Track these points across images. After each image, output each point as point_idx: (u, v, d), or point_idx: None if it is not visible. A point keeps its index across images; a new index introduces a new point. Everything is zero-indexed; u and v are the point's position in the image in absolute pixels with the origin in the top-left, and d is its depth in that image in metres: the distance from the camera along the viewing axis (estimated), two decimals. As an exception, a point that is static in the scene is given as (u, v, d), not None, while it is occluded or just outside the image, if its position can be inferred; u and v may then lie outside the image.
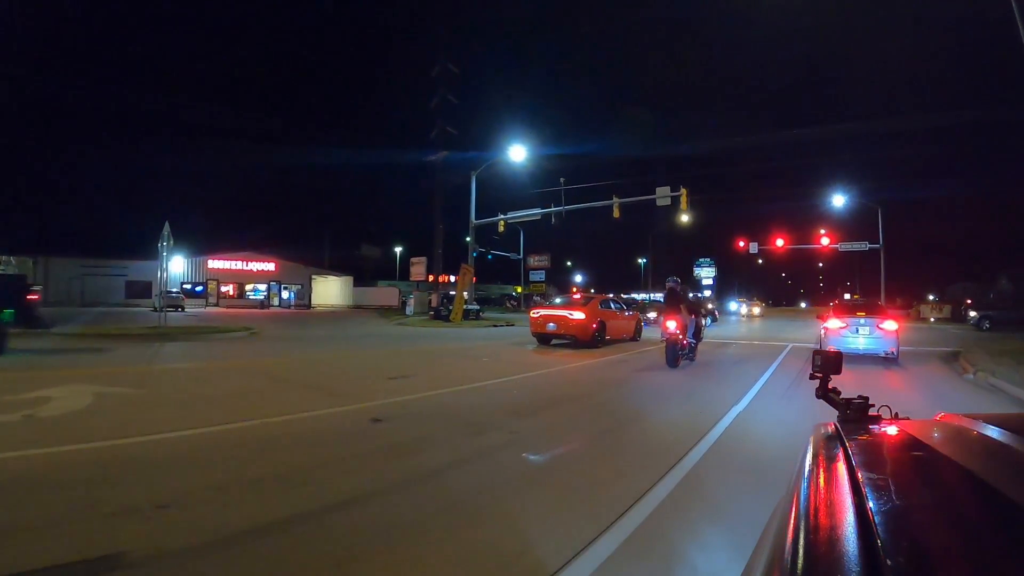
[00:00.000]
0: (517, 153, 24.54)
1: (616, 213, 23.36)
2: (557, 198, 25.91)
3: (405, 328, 21.14)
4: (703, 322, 11.45)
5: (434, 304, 27.29)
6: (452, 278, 35.99)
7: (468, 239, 26.39)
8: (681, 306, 9.49)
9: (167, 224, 19.93)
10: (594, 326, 12.03)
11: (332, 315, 34.05)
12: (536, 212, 26.35)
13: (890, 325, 9.72)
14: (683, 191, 21.54)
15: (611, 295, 19.29)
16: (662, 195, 21.92)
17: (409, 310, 31.09)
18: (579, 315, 11.92)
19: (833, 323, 10.18)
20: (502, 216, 27.47)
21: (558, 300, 14.87)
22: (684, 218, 36.51)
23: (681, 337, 9.20)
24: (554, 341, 12.78)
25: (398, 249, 62.83)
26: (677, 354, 9.13)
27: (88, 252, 39.72)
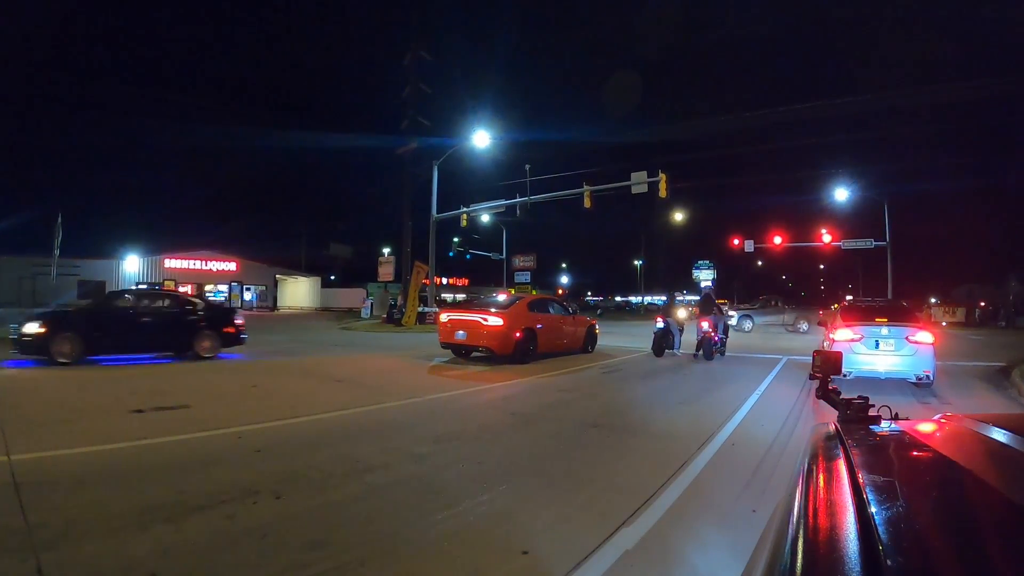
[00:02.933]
0: (481, 139, 21.91)
1: (587, 203, 20.60)
2: (533, 190, 23.09)
3: (344, 334, 18.37)
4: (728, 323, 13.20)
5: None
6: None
7: (448, 236, 23.90)
8: (714, 309, 11.05)
9: (60, 217, 17.42)
10: (517, 335, 9.05)
11: (288, 318, 31.34)
12: (500, 203, 23.77)
13: (925, 337, 6.74)
14: (662, 176, 18.70)
15: (551, 295, 16.21)
16: (638, 181, 19.09)
17: (365, 312, 28.29)
18: (495, 321, 8.90)
19: (842, 333, 7.13)
20: (465, 209, 24.77)
21: (501, 299, 11.60)
22: (678, 216, 34.01)
23: (713, 335, 10.67)
24: (474, 353, 9.84)
25: (386, 250, 59.77)
26: (712, 348, 10.59)
27: (38, 250, 37.38)
